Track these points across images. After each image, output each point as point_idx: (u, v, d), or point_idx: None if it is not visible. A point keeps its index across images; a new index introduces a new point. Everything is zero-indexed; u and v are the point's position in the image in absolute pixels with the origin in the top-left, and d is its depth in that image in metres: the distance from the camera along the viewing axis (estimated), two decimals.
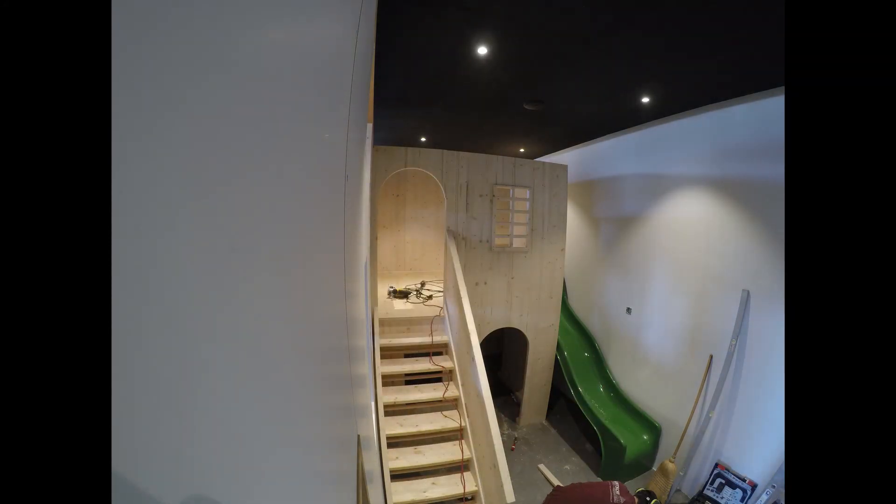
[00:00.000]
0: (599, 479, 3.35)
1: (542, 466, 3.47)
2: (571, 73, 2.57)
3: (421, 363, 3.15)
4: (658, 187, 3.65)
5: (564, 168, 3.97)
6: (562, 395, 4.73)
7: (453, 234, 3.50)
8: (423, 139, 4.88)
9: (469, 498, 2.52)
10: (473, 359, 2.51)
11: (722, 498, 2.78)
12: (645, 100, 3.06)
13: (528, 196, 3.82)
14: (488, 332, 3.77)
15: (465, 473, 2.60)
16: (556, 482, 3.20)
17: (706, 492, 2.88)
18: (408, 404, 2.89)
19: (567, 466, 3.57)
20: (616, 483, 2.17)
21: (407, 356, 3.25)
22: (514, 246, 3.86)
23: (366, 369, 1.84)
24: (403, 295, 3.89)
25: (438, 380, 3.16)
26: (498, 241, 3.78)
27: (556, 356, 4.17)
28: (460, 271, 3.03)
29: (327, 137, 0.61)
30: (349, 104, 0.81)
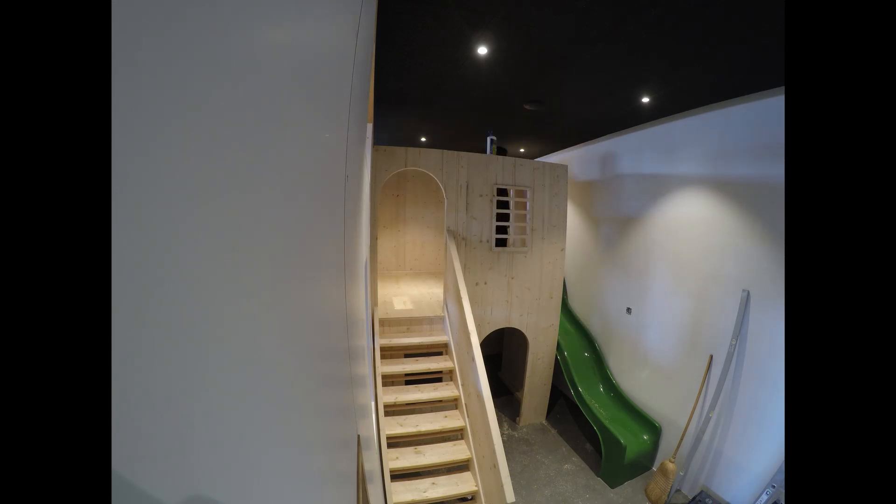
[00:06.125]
0: (600, 479, 3.36)
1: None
2: (571, 73, 2.57)
3: (421, 363, 3.15)
4: (658, 187, 3.65)
5: (564, 168, 3.97)
6: (562, 395, 4.73)
7: (453, 234, 3.50)
8: (423, 139, 4.88)
9: (469, 498, 2.52)
10: (473, 359, 2.50)
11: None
12: (645, 100, 3.06)
13: (528, 196, 3.82)
14: (488, 332, 3.77)
15: (465, 473, 2.60)
16: None
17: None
18: (408, 404, 2.89)
19: (567, 466, 3.57)
20: None
21: (407, 356, 3.25)
22: (514, 246, 3.86)
23: (366, 369, 1.83)
24: None
25: (439, 380, 3.16)
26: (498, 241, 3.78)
27: (556, 356, 4.17)
28: (460, 271, 3.03)
29: (327, 137, 0.61)
30: (349, 104, 0.81)
